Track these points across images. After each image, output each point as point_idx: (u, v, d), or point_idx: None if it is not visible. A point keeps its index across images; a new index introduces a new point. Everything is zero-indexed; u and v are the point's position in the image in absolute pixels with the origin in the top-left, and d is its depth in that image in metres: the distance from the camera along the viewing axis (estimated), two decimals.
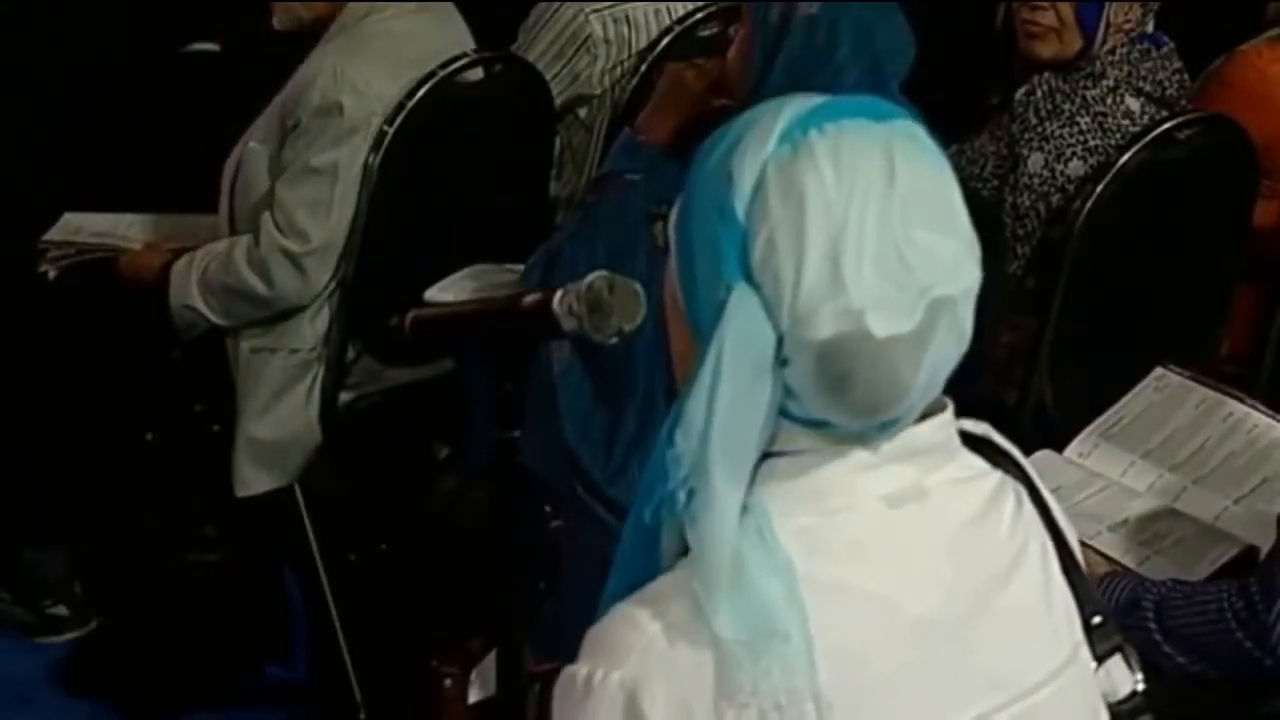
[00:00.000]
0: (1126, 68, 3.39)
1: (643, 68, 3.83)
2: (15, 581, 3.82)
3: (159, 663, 3.63)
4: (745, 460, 1.43)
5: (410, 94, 3.41)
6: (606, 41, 3.85)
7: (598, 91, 3.87)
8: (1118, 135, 3.33)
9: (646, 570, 1.47)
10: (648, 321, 1.87)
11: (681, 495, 1.42)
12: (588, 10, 3.84)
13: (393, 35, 3.47)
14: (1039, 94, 3.41)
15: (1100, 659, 1.60)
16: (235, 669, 3.70)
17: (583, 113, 3.90)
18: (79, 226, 3.71)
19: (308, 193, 3.39)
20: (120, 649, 3.69)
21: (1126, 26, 3.39)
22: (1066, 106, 3.37)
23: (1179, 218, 3.37)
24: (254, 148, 3.48)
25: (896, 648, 1.46)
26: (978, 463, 1.56)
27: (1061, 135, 3.34)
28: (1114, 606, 2.47)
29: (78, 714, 3.62)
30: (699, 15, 3.87)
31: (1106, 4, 3.37)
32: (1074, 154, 3.33)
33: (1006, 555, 1.53)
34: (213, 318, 3.47)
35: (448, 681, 3.38)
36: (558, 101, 3.80)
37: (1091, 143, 3.33)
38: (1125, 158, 3.23)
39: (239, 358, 3.52)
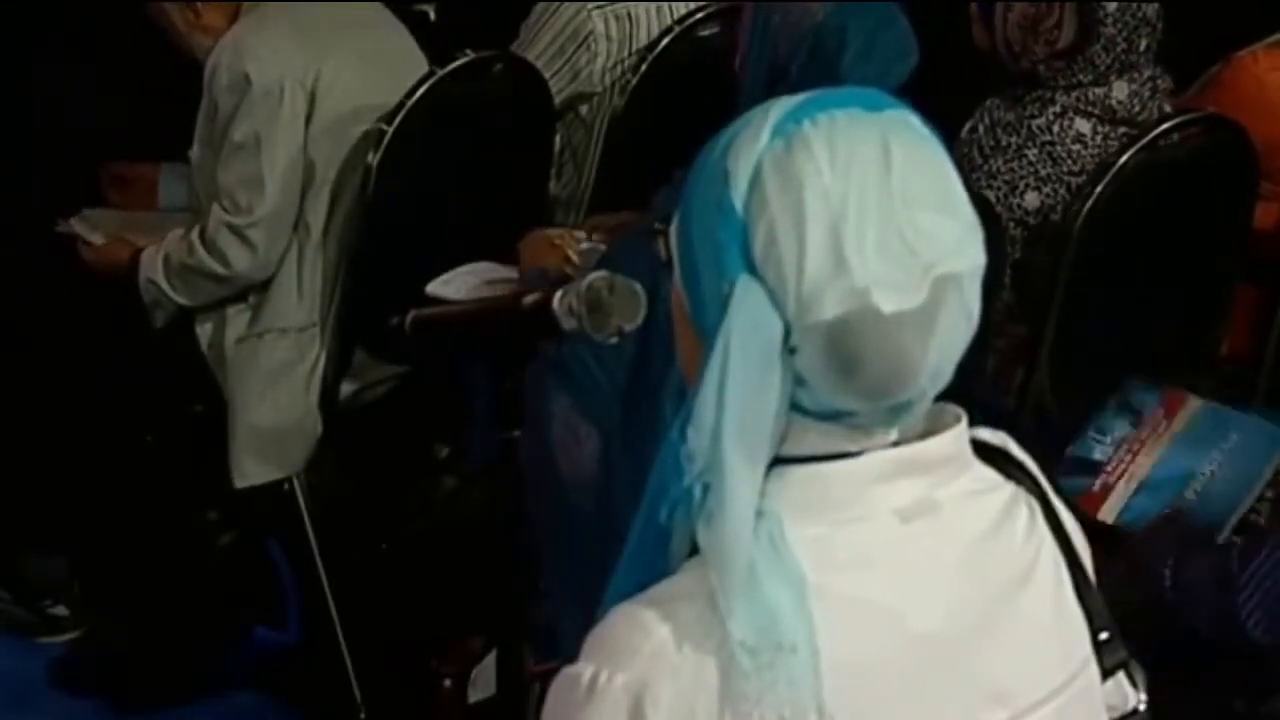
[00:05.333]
0: (1075, 93, 3.34)
1: (644, 66, 3.82)
2: (15, 581, 3.82)
3: (155, 660, 3.63)
4: (760, 453, 1.42)
5: (410, 94, 3.42)
6: (608, 38, 3.84)
7: (598, 89, 3.86)
8: (1069, 162, 3.30)
9: (655, 570, 1.46)
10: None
11: (697, 491, 1.41)
12: (590, 7, 3.83)
13: (295, 11, 3.52)
14: (980, 130, 3.36)
15: (1107, 674, 1.59)
16: (233, 667, 3.69)
17: (583, 110, 3.89)
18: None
19: (238, 168, 3.44)
20: (120, 649, 3.69)
21: (1054, 39, 3.33)
22: (1012, 140, 3.32)
23: (1178, 218, 3.36)
24: (194, 153, 3.55)
25: (900, 663, 1.45)
26: (991, 475, 1.55)
27: (1011, 170, 3.30)
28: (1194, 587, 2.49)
29: (78, 714, 3.62)
30: (699, 15, 3.86)
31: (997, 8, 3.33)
32: (1027, 186, 3.29)
33: (1018, 570, 1.53)
34: (175, 297, 3.54)
35: (448, 681, 3.38)
36: (558, 99, 3.79)
37: (1043, 173, 3.29)
38: (1125, 158, 3.22)
39: (227, 354, 3.54)
